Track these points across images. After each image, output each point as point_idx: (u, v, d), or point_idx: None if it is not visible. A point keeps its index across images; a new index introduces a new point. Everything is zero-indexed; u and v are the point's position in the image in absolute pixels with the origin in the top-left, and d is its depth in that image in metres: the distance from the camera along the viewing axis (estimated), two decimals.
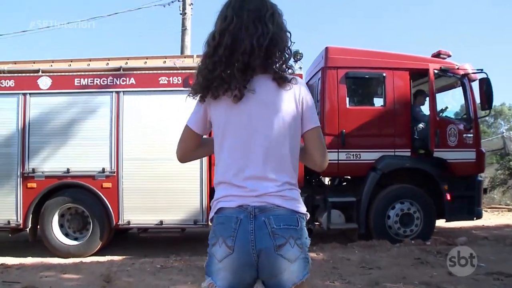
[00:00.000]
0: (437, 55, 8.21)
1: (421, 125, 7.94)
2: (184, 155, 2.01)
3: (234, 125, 1.82)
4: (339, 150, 7.53)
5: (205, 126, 1.94)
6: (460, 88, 8.11)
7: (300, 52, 7.46)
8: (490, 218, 10.92)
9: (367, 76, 7.83)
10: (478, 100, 7.80)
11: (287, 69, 1.88)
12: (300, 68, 7.48)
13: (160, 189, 7.22)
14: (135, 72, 7.49)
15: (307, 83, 7.99)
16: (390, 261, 5.40)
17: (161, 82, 7.39)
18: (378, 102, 8.07)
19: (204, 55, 1.87)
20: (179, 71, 7.43)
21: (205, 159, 7.17)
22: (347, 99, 7.74)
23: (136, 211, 7.21)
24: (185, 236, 7.56)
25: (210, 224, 1.89)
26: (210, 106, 1.87)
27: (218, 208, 1.81)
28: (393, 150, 7.69)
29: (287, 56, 1.88)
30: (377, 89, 7.95)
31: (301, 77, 7.42)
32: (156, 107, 7.41)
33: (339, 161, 7.54)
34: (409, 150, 7.76)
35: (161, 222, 7.12)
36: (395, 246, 6.36)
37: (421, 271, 4.91)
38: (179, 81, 7.36)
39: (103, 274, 4.95)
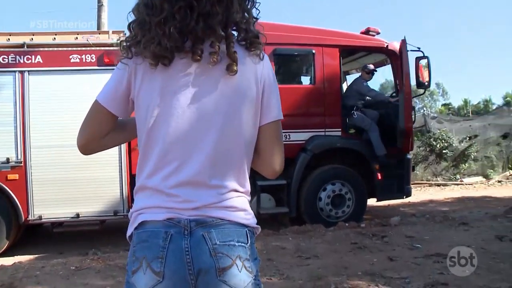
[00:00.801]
0: (366, 32, 8.03)
1: (359, 104, 7.75)
2: (89, 144, 1.45)
3: (173, 107, 1.30)
4: None
5: (127, 105, 1.39)
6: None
7: None
8: (414, 194, 11.15)
9: (295, 53, 7.49)
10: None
11: (253, 34, 1.38)
12: None
13: (75, 179, 6.52)
14: (41, 49, 6.67)
15: None
16: (327, 248, 5.18)
17: (72, 60, 6.63)
18: (308, 80, 7.81)
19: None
20: (93, 48, 6.71)
21: (124, 143, 6.58)
22: (276, 76, 7.38)
23: (48, 204, 6.48)
24: (105, 228, 6.96)
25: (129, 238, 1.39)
26: (138, 77, 1.33)
27: (139, 222, 1.32)
28: (324, 130, 7.47)
29: (250, 10, 1.39)
30: (307, 66, 7.67)
31: None
32: (67, 88, 6.65)
33: None
34: (340, 129, 7.56)
35: (78, 215, 6.45)
36: (330, 230, 6.17)
37: (360, 258, 4.72)
38: (93, 59, 6.65)
39: (4, 284, 4.29)
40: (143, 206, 1.35)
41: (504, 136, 15.49)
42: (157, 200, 1.32)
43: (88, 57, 6.65)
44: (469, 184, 13.58)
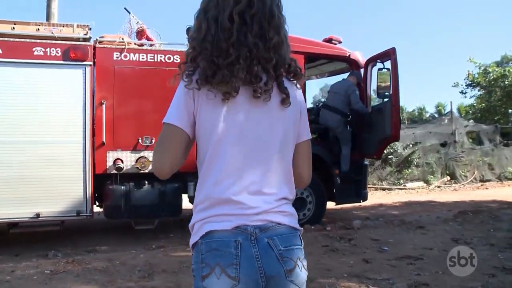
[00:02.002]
0: (329, 40, 8.26)
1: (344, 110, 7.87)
2: (174, 168, 1.52)
3: (235, 128, 1.47)
4: None
5: (194, 126, 1.50)
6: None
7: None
8: None
9: None
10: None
11: (295, 68, 1.59)
12: None
13: (35, 177, 6.22)
14: (1, 39, 6.35)
15: None
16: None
17: (35, 53, 6.35)
18: None
19: (219, 38, 1.47)
20: (58, 42, 6.47)
21: (88, 140, 6.40)
22: None
23: (5, 204, 6.15)
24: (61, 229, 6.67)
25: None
26: (201, 100, 1.47)
27: (206, 231, 1.43)
28: None
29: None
30: None
31: None
32: (29, 81, 6.35)
33: None
34: None
35: (38, 215, 6.16)
36: None
37: (337, 260, 4.86)
38: (58, 53, 6.40)
39: None
40: (209, 215, 1.46)
41: (443, 144, 16.43)
42: (223, 209, 1.44)
43: (53, 50, 6.39)
44: (411, 189, 14.29)
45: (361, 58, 8.23)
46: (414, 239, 5.85)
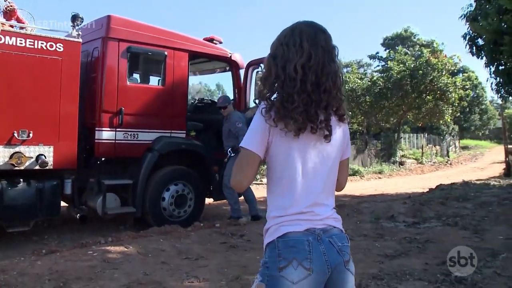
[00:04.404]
0: (210, 40, 8.46)
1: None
2: (250, 183, 1.93)
3: (302, 157, 1.86)
4: (117, 130, 7.02)
5: (265, 148, 1.87)
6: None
7: (80, 16, 6.61)
8: None
9: (149, 53, 7.43)
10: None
11: (342, 112, 1.96)
12: (79, 35, 6.60)
13: None
14: None
15: None
16: (203, 248, 5.36)
17: None
18: (157, 81, 7.85)
19: (286, 88, 1.83)
20: None
21: None
22: (128, 75, 7.24)
23: None
24: None
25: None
26: (276, 133, 1.84)
27: (283, 232, 1.82)
28: (170, 131, 7.62)
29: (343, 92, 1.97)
30: (158, 68, 7.67)
31: (80, 46, 6.57)
32: None
33: (116, 141, 7.04)
34: (184, 131, 7.82)
35: None
36: (189, 230, 6.37)
37: (244, 256, 5.01)
38: None
39: None
40: (284, 220, 1.84)
41: None
42: (297, 215, 1.84)
43: None
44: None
45: (240, 59, 8.58)
46: None
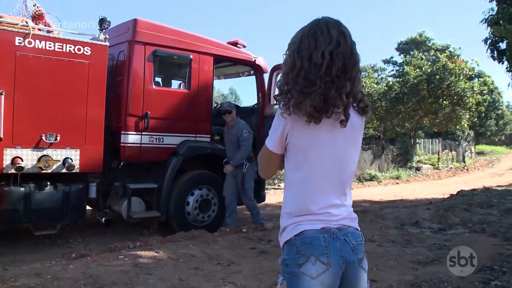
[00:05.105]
0: (234, 44, 8.43)
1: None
2: (273, 175, 2.28)
3: (321, 148, 1.88)
4: (142, 133, 7.00)
5: (284, 145, 1.93)
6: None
7: (108, 20, 6.61)
8: None
9: (175, 57, 7.39)
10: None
11: (365, 104, 1.98)
12: (106, 38, 6.60)
13: None
14: None
15: None
16: (233, 254, 5.30)
17: None
18: (182, 85, 7.83)
19: (310, 72, 1.83)
20: None
21: None
22: (154, 78, 7.22)
23: None
24: None
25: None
26: (293, 126, 1.86)
27: (300, 230, 1.86)
28: (195, 135, 7.58)
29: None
30: (183, 72, 7.65)
31: (107, 50, 6.57)
32: None
33: (142, 145, 7.02)
34: (209, 136, 7.78)
35: None
36: (216, 235, 6.32)
37: (275, 262, 4.91)
38: None
39: None
40: (302, 219, 1.87)
41: None
42: (313, 217, 1.88)
43: None
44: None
45: (264, 63, 8.53)
46: None
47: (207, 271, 4.59)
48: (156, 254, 5.10)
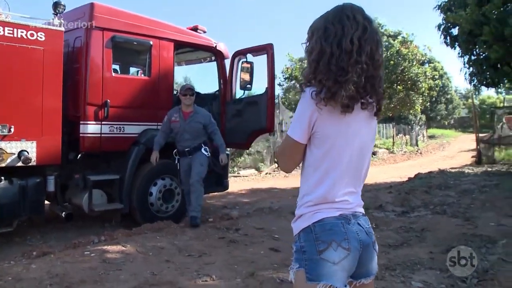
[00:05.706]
0: (194, 29, 8.21)
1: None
2: (295, 167, 2.03)
3: (347, 139, 1.89)
4: (102, 123, 6.72)
5: (309, 135, 1.90)
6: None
7: (62, 3, 6.28)
8: None
9: (134, 43, 7.11)
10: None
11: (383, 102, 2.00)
12: (61, 23, 6.26)
13: None
14: None
15: None
16: (203, 244, 5.19)
17: None
18: (141, 72, 7.57)
19: (342, 60, 1.80)
20: None
21: None
22: (112, 66, 6.93)
23: None
24: None
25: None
26: (326, 116, 1.84)
27: (319, 218, 1.88)
28: (156, 124, 7.35)
29: None
30: (143, 58, 7.39)
31: (62, 35, 6.24)
32: None
33: (102, 135, 6.74)
34: None
35: None
36: (182, 226, 6.18)
37: (247, 251, 4.90)
38: None
39: None
40: (320, 208, 1.89)
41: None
42: (331, 205, 1.90)
43: None
44: (245, 176, 15.05)
45: (225, 49, 8.37)
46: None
47: (179, 263, 4.46)
48: (124, 248, 4.91)
